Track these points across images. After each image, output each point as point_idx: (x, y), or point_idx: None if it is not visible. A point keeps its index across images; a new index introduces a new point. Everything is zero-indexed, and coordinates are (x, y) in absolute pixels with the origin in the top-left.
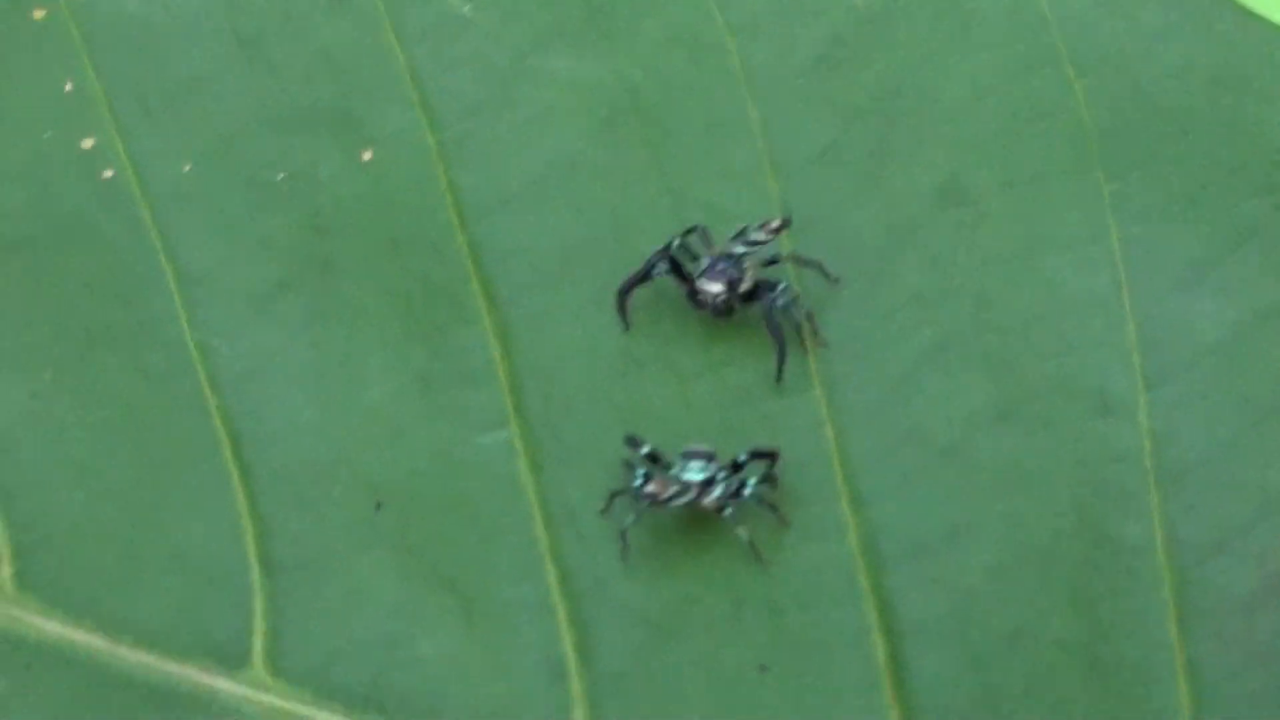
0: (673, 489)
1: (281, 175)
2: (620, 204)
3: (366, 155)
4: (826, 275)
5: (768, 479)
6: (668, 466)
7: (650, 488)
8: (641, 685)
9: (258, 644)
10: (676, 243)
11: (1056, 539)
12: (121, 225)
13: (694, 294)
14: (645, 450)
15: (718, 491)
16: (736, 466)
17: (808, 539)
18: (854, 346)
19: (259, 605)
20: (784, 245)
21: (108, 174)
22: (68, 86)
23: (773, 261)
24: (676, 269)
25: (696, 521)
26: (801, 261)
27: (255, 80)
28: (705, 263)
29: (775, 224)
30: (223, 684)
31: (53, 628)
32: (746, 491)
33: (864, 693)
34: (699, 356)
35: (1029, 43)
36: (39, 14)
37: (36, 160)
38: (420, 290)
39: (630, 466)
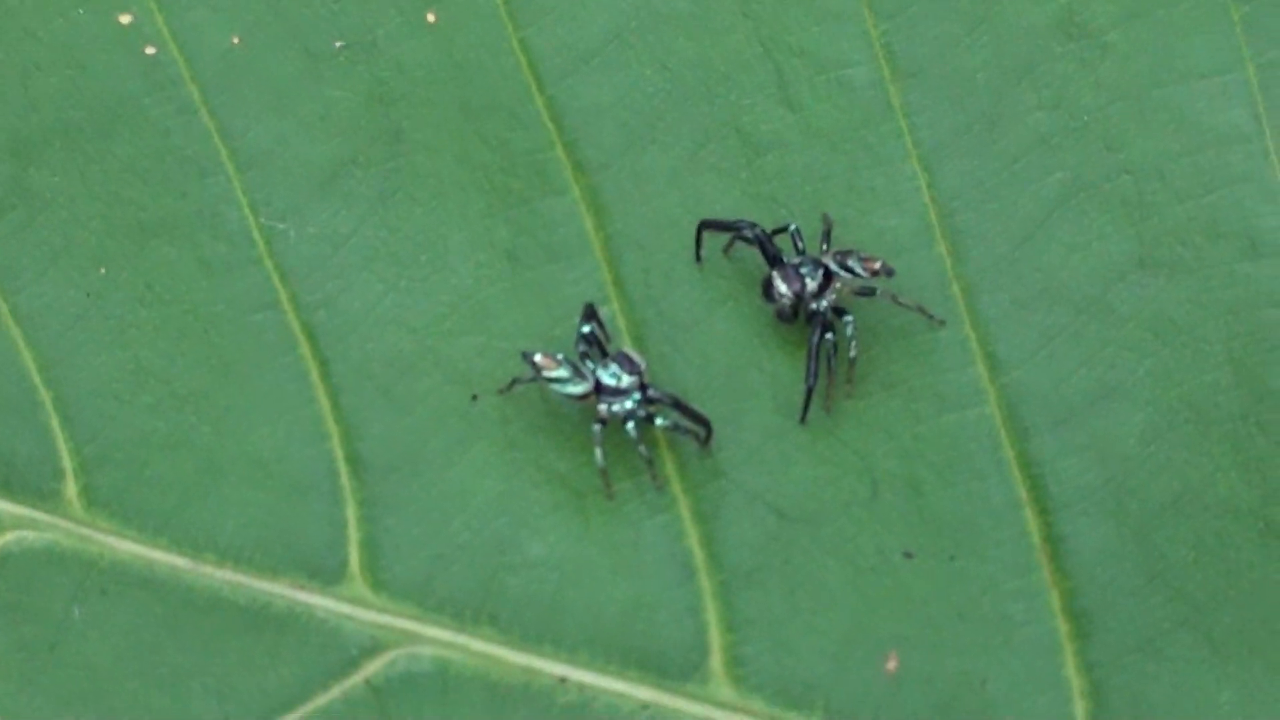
0: (553, 372)
1: (339, 43)
2: (708, 55)
3: (430, 17)
4: (930, 318)
5: (680, 429)
6: (602, 354)
7: (537, 358)
8: (776, 578)
9: (354, 555)
10: (794, 227)
11: (1213, 395)
12: (169, 106)
13: (766, 285)
14: (587, 329)
15: (618, 406)
16: (649, 398)
17: (944, 408)
18: (976, 195)
19: (351, 512)
20: (894, 98)
21: (149, 51)
22: None
23: (867, 293)
24: (765, 247)
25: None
26: (899, 304)
27: None
28: (793, 260)
29: (876, 265)
30: (319, 601)
31: (127, 548)
32: (629, 424)
33: (1020, 574)
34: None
35: None
36: None
37: (71, 40)
38: (500, 160)
39: (578, 336)
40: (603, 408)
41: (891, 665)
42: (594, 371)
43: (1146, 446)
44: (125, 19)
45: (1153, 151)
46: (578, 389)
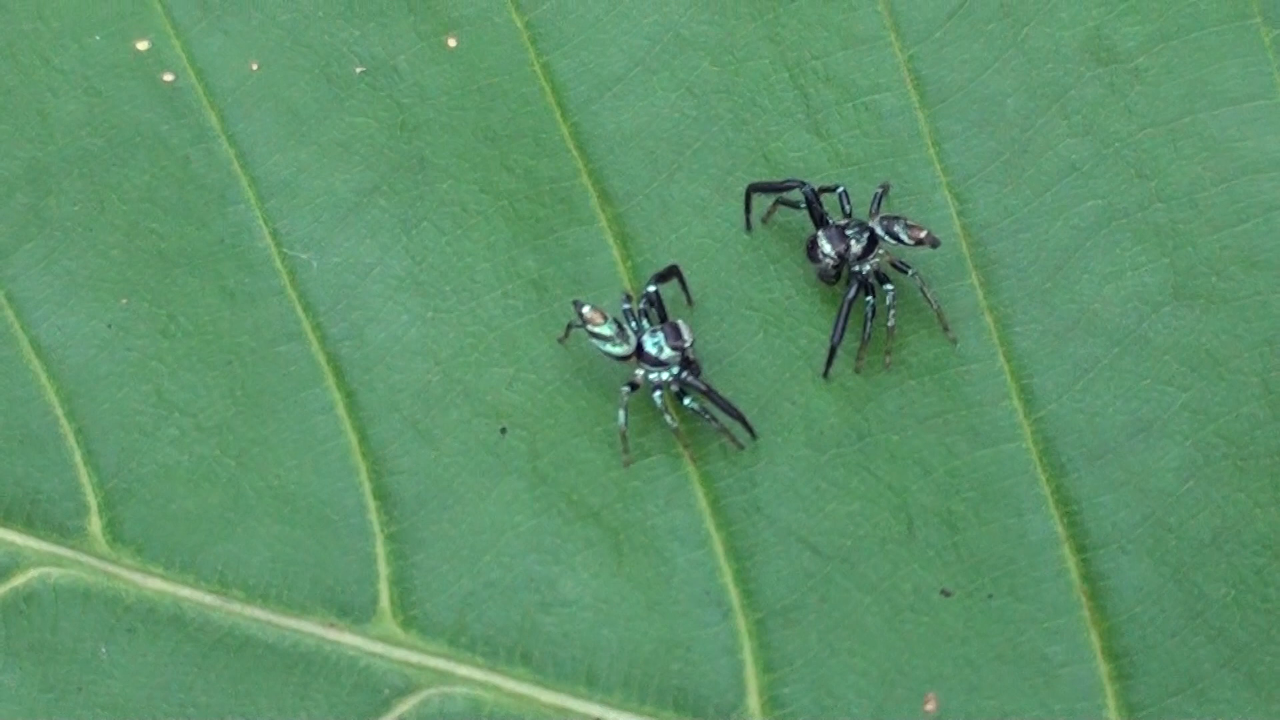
0: (598, 328)
1: (359, 68)
2: (733, 81)
3: (451, 41)
4: (946, 330)
5: (707, 417)
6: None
7: (585, 310)
8: (813, 617)
9: (384, 591)
10: (841, 189)
11: (1250, 429)
12: (187, 133)
13: (810, 245)
14: (653, 288)
15: (654, 375)
16: (683, 380)
17: (979, 443)
18: (1008, 225)
19: (381, 548)
20: (923, 125)
21: (167, 77)
22: None
23: (901, 267)
24: (812, 207)
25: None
26: (924, 295)
27: None
28: (840, 221)
29: (922, 234)
30: (349, 639)
31: (154, 584)
32: (655, 394)
33: (1059, 613)
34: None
35: None
36: None
37: (87, 67)
38: (525, 188)
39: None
40: (639, 373)
41: (930, 706)
42: (639, 334)
43: (1184, 482)
44: (142, 45)
45: (1185, 179)
46: (618, 350)
